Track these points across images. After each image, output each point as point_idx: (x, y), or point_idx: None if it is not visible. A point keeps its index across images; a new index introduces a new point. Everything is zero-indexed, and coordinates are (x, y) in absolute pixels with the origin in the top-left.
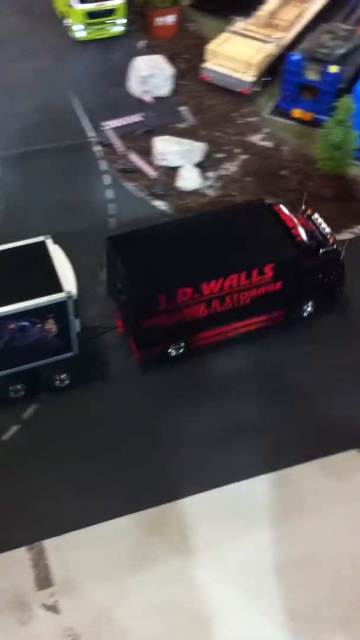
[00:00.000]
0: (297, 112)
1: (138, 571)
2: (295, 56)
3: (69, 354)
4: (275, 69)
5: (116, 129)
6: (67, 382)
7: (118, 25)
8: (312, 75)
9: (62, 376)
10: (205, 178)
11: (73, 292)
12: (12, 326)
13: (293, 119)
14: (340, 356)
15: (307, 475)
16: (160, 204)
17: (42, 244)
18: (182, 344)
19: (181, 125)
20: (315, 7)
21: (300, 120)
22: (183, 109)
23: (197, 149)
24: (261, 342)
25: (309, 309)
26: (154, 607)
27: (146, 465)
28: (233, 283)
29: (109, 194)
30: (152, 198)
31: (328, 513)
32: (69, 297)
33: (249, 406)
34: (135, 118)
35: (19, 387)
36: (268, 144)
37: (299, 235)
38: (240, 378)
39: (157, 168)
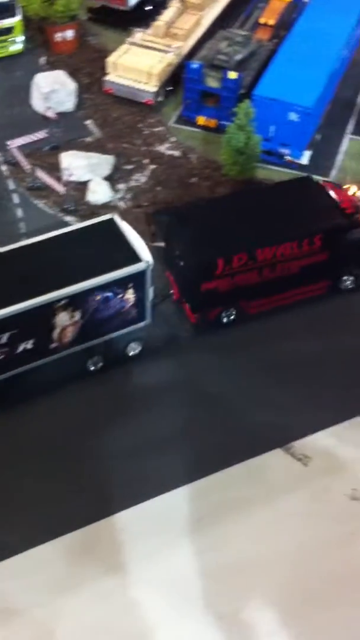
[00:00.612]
0: (201, 120)
1: (73, 593)
2: (195, 64)
3: (142, 323)
4: (177, 78)
5: (21, 147)
6: (139, 349)
7: (17, 43)
8: (212, 82)
9: (134, 344)
10: (116, 190)
11: (151, 261)
12: (98, 297)
13: (198, 126)
14: (256, 360)
15: (231, 480)
16: (72, 220)
17: (112, 221)
18: (234, 311)
19: (88, 139)
20: (212, 14)
21: (205, 128)
22: (89, 122)
23: (105, 162)
24: (176, 351)
25: (349, 283)
26: (91, 628)
27: (71, 485)
28: (285, 251)
29: (19, 212)
30: (63, 214)
31: (254, 516)
32: (148, 265)
33: (169, 417)
34: (41, 135)
35: (96, 358)
36: (176, 152)
37: (348, 207)
38: (159, 389)
39: (66, 184)
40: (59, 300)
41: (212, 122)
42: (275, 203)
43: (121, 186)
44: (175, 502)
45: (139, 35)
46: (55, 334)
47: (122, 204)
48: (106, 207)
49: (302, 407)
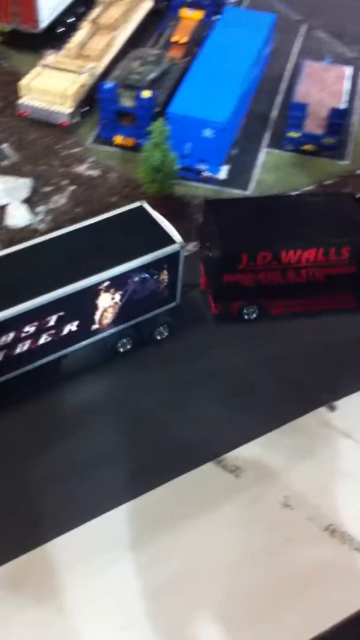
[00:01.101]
0: (118, 139)
1: (8, 623)
2: (108, 84)
3: (173, 304)
4: (92, 99)
5: None
6: (166, 334)
7: None
8: (126, 101)
9: (161, 328)
10: (35, 213)
11: (183, 243)
12: (136, 279)
13: (116, 145)
14: (186, 375)
15: (166, 496)
16: None
17: (141, 207)
18: (256, 308)
19: (4, 163)
20: (125, 34)
21: (122, 147)
22: (4, 146)
23: (22, 185)
24: (107, 370)
25: None
26: None
27: (4, 513)
28: (310, 257)
29: None
30: None
31: (190, 530)
32: (182, 246)
33: (100, 437)
34: None
35: (125, 340)
36: (95, 172)
37: None
38: (92, 409)
39: None
40: (102, 282)
41: (130, 141)
42: (309, 210)
43: (40, 209)
44: (111, 522)
45: (51, 57)
46: (97, 315)
47: (42, 227)
48: (26, 230)
49: (231, 419)
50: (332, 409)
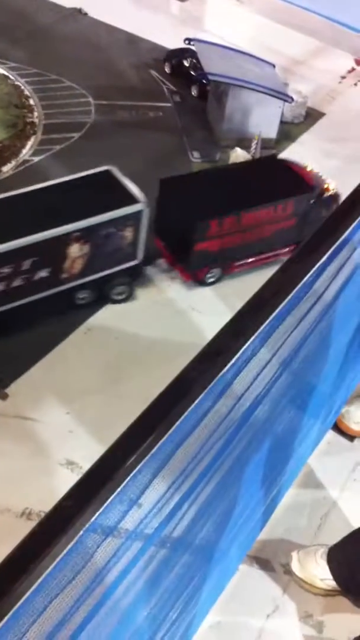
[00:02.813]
0: None
1: None
2: None
3: (135, 261)
4: None
5: None
6: (124, 295)
7: None
8: None
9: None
10: None
11: (147, 203)
12: (103, 233)
13: None
14: None
15: None
16: None
17: (108, 171)
18: (219, 270)
19: None
20: None
21: None
22: None
23: None
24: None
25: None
26: None
27: None
28: (264, 216)
29: None
30: None
31: None
32: (146, 206)
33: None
34: None
35: (85, 294)
36: None
37: (310, 180)
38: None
39: None
40: (73, 232)
41: None
42: (251, 176)
43: None
44: None
45: None
46: (67, 264)
47: None
48: None
49: None
50: (4, 397)
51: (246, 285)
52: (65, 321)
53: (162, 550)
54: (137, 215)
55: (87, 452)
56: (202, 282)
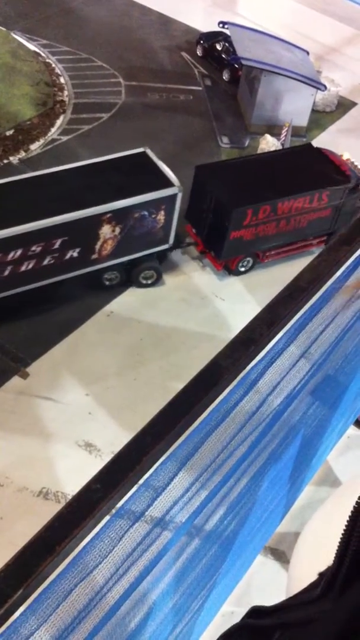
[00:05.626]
0: None
1: None
2: None
3: (165, 246)
4: None
5: None
6: (152, 280)
7: None
8: None
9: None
10: None
11: (181, 187)
12: (136, 215)
13: None
14: None
15: None
16: None
17: (144, 153)
18: (251, 260)
19: None
20: None
21: None
22: None
23: None
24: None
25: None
26: None
27: None
28: (300, 205)
29: None
30: None
31: None
32: (180, 190)
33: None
34: None
35: (113, 276)
36: None
37: (347, 170)
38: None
39: None
40: (106, 213)
41: None
42: (287, 164)
43: None
44: None
45: None
46: (98, 245)
47: None
48: None
49: None
50: (25, 376)
51: (273, 275)
52: (88, 303)
53: (192, 541)
54: (171, 199)
55: (106, 434)
56: (234, 272)
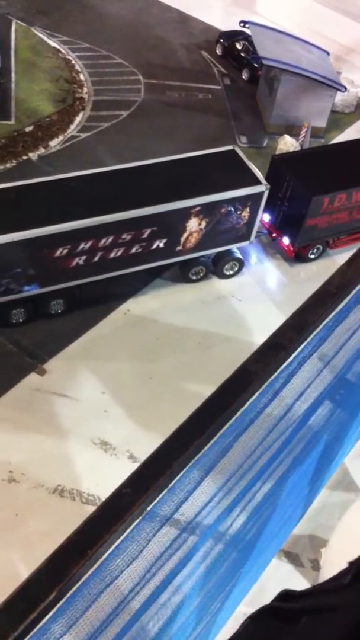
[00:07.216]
0: None
1: None
2: None
3: (247, 242)
4: None
5: None
6: (235, 270)
7: None
8: None
9: (231, 264)
10: None
11: (268, 186)
12: (223, 210)
13: None
14: None
15: None
16: None
17: (234, 150)
18: (321, 247)
19: None
20: None
21: None
22: None
23: None
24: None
25: None
26: None
27: None
28: None
29: None
30: None
31: None
32: (267, 188)
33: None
34: None
35: (199, 269)
36: None
37: None
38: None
39: None
40: (195, 206)
41: None
42: (357, 155)
43: None
44: None
45: None
46: (183, 237)
47: None
48: None
49: None
50: (42, 372)
51: (293, 272)
52: (104, 302)
53: (216, 545)
54: (258, 196)
55: (121, 433)
56: (304, 259)
